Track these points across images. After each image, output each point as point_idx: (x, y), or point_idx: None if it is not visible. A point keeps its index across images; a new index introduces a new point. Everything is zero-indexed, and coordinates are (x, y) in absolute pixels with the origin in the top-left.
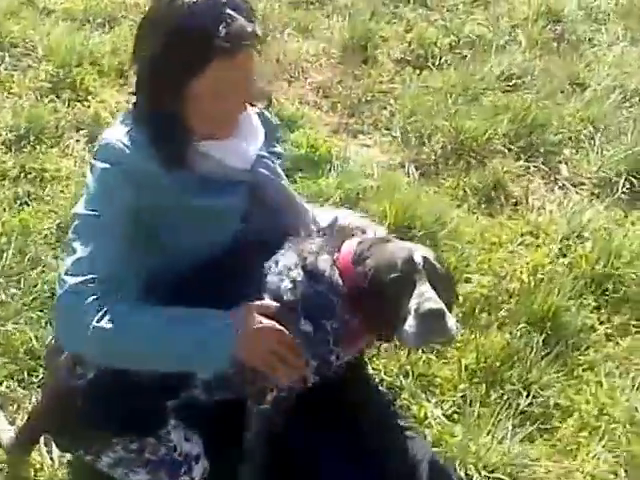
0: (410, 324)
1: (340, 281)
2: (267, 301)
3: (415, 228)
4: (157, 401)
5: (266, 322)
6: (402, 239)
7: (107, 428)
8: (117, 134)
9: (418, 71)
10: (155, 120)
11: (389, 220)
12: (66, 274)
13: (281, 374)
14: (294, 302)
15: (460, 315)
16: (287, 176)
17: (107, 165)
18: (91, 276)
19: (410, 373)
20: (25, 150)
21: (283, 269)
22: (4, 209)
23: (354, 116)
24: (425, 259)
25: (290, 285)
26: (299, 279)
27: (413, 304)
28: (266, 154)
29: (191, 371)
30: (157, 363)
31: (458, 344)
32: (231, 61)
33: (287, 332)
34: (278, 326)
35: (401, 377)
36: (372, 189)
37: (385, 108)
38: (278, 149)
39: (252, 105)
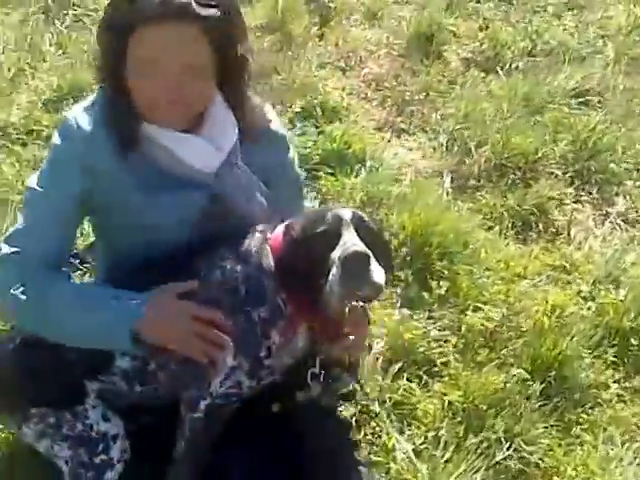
0: (333, 273)
1: (270, 259)
2: (188, 282)
3: (431, 245)
4: (76, 377)
5: (180, 302)
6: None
7: (24, 396)
8: (78, 110)
9: (483, 74)
10: (107, 97)
11: (405, 233)
12: (4, 241)
13: (199, 353)
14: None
15: (459, 346)
16: (314, 170)
17: (59, 141)
18: (21, 249)
19: (388, 399)
20: (63, 111)
21: (217, 260)
22: (33, 168)
23: (402, 114)
24: (354, 214)
25: (219, 274)
26: (228, 267)
27: (336, 253)
28: (241, 164)
29: (101, 348)
30: (65, 336)
31: (446, 377)
32: (153, 31)
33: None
34: (193, 303)
35: (377, 402)
36: (398, 196)
37: (437, 110)
38: (284, 159)
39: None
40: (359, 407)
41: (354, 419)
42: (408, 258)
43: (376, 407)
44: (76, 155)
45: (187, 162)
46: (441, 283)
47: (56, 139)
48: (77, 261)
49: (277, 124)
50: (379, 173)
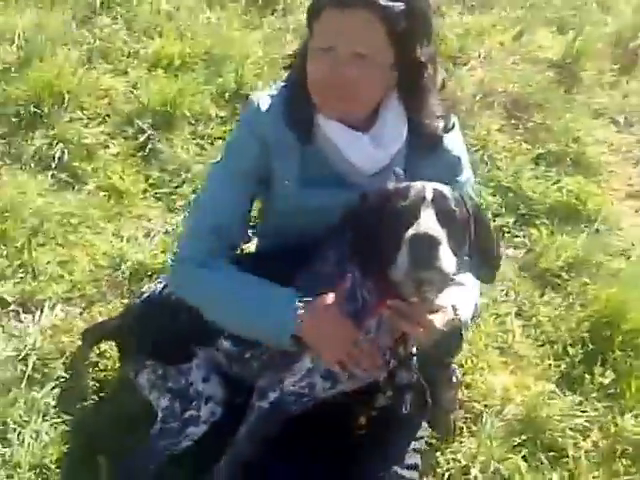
0: (401, 253)
1: None
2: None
3: (618, 329)
4: (186, 340)
5: (343, 324)
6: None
7: (143, 348)
8: (262, 94)
9: None
10: (290, 83)
11: (598, 306)
12: (189, 210)
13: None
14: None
15: (600, 445)
16: (531, 216)
17: (242, 120)
18: (202, 222)
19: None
20: None
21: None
22: None
23: None
24: (436, 193)
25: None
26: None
27: (410, 232)
28: (399, 171)
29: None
30: (230, 328)
31: (566, 473)
32: (334, 15)
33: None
34: (355, 330)
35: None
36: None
37: None
38: (452, 182)
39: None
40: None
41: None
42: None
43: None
44: (254, 132)
45: (349, 159)
46: (607, 373)
47: (240, 117)
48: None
49: (455, 141)
50: (605, 239)
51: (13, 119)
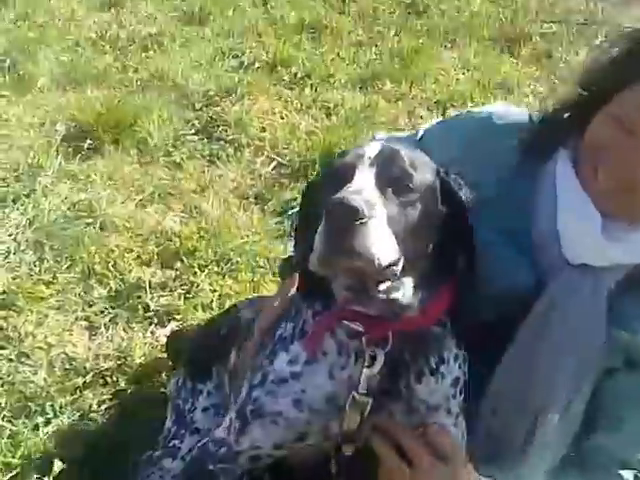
0: (319, 231)
1: None
2: None
3: None
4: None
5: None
6: None
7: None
8: (512, 110)
9: None
10: (547, 120)
11: None
12: None
13: None
14: None
15: None
16: None
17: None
18: None
19: None
20: None
21: None
22: None
23: None
24: (386, 150)
25: None
26: None
27: (328, 201)
28: (602, 291)
29: None
30: None
31: None
32: None
33: None
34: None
35: None
36: None
37: None
38: None
39: None
40: None
41: None
42: None
43: None
44: (475, 147)
45: (561, 234)
46: None
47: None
48: None
49: None
50: None
51: None
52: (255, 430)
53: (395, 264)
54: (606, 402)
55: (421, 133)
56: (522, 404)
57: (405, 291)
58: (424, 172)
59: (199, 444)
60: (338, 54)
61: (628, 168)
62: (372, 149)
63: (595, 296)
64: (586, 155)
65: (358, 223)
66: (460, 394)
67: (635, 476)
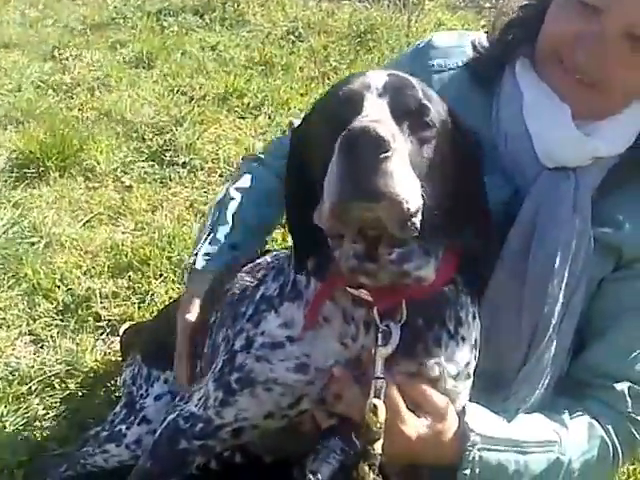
0: (330, 172)
1: None
2: None
3: None
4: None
5: None
6: None
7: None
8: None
9: None
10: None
11: None
12: None
13: None
14: None
15: None
16: None
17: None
18: None
19: None
20: None
21: None
22: None
23: None
24: (394, 79)
25: None
26: None
27: (341, 136)
28: (585, 192)
29: None
30: None
31: None
32: None
33: None
34: None
35: None
36: None
37: None
38: None
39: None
40: None
41: None
42: None
43: None
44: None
45: (534, 132)
46: None
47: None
48: None
49: None
50: None
51: None
52: (242, 400)
53: (416, 214)
54: (593, 315)
55: None
56: (517, 319)
57: (418, 261)
58: (438, 105)
59: (165, 423)
60: (291, 87)
61: (594, 57)
62: (377, 78)
63: (578, 195)
64: (545, 56)
65: (383, 157)
66: (476, 358)
67: (629, 387)
